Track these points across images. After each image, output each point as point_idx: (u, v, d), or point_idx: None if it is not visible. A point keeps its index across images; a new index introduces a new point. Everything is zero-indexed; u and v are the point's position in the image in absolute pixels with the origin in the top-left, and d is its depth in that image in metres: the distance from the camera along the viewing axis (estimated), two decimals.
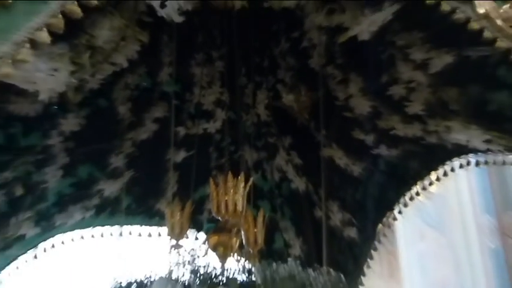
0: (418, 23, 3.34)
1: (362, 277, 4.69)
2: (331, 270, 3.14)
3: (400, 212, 4.51)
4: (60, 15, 2.13)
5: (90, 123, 4.01)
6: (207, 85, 4.47)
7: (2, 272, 4.18)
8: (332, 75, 4.20)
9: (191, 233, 3.54)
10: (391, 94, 3.91)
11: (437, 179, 4.19)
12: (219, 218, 3.37)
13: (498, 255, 9.84)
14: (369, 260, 4.72)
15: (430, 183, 4.24)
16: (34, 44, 2.12)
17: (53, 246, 4.39)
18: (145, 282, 2.73)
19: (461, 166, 3.98)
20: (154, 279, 2.73)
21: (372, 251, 4.71)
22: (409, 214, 11.20)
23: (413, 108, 3.88)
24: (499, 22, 2.46)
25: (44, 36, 2.13)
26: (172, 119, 4.16)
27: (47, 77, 2.89)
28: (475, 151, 3.79)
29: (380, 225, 4.61)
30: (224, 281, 2.74)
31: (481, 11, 2.48)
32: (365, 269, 4.71)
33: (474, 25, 2.48)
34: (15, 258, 4.20)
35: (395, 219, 4.56)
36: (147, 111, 4.35)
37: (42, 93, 3.07)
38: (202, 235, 4.18)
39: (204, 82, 4.45)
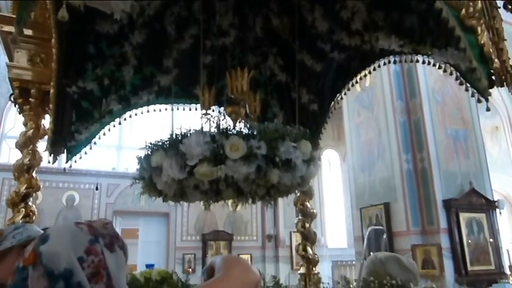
0: None
1: (320, 135, 4.71)
2: (301, 127, 3.13)
3: (345, 94, 4.43)
4: None
5: (150, 38, 3.88)
6: (224, 14, 4.25)
7: (98, 134, 4.18)
8: (304, 6, 4.00)
9: (215, 107, 3.49)
10: (341, 16, 3.74)
11: (369, 73, 4.08)
12: (233, 96, 3.33)
13: (405, 125, 10.01)
14: (325, 125, 4.71)
15: (365, 75, 4.13)
16: None
17: (130, 116, 4.37)
18: (187, 133, 2.73)
19: (384, 64, 3.86)
20: (193, 131, 2.73)
21: (327, 119, 4.70)
22: (351, 99, 11.16)
23: (355, 26, 3.71)
24: None
25: None
26: (201, 35, 3.99)
27: (118, 2, 2.77)
28: (394, 53, 3.65)
29: (332, 103, 4.56)
30: (235, 133, 2.75)
31: None
32: (322, 130, 4.72)
33: None
34: (107, 124, 4.20)
35: (342, 99, 4.50)
36: (186, 31, 4.18)
37: (116, 14, 2.94)
38: (222, 108, 4.16)
39: (223, 12, 4.23)
